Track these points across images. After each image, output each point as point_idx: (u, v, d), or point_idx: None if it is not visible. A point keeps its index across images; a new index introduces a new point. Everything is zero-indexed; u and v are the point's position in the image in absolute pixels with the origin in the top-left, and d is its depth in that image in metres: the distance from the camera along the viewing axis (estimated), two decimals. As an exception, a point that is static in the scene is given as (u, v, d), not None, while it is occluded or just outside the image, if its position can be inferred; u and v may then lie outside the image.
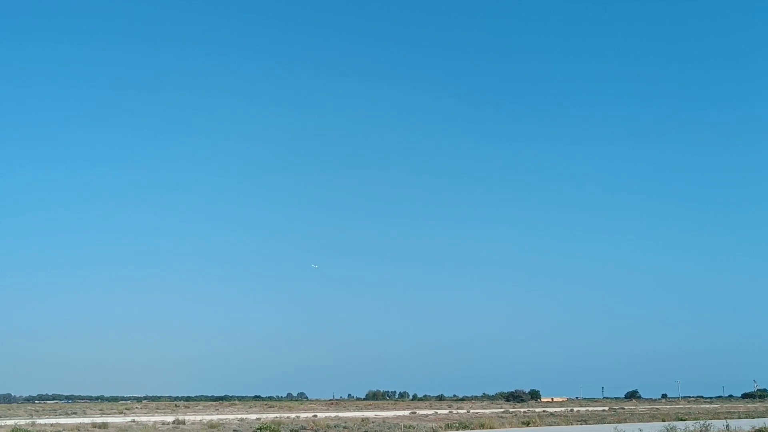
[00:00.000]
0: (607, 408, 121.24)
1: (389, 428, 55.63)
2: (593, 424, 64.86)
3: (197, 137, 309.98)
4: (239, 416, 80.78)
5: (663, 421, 65.05)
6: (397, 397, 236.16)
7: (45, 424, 57.41)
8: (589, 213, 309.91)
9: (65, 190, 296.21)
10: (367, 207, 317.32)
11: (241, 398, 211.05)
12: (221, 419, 70.15)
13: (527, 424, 62.73)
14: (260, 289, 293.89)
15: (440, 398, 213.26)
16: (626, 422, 64.81)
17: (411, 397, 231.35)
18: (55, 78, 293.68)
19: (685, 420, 61.70)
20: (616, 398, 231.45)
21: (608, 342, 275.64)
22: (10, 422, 59.65)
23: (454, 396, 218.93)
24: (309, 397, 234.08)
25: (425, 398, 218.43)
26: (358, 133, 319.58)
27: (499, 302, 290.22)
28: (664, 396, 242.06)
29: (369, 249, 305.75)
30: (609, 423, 63.20)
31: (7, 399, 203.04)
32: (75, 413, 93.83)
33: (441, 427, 55.73)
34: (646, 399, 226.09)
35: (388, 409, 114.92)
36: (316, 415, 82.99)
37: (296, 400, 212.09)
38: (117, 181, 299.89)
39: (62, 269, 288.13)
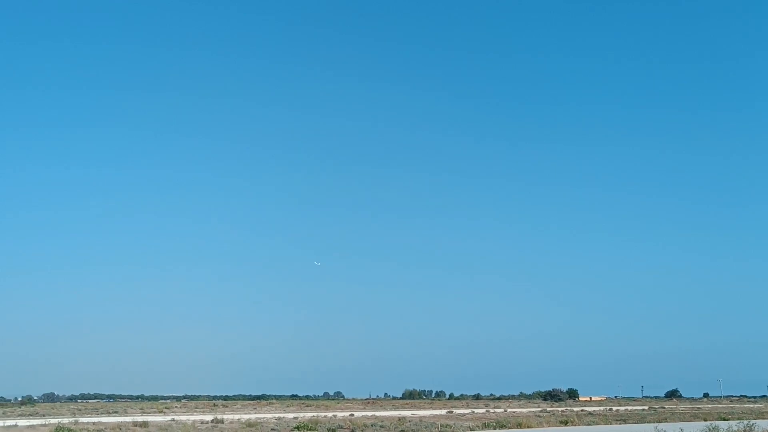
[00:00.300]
0: (646, 407, 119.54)
1: (426, 427, 55.53)
2: (633, 423, 64.03)
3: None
4: (277, 415, 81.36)
5: (705, 420, 64.00)
6: (433, 396, 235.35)
7: (87, 423, 58.47)
8: (626, 211, 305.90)
9: (116, 191, 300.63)
10: (395, 207, 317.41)
11: (278, 397, 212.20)
12: (259, 418, 70.73)
13: (565, 423, 62.18)
14: (297, 288, 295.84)
15: (477, 397, 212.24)
16: (667, 422, 63.87)
17: (447, 396, 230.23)
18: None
19: (728, 420, 60.58)
20: (655, 397, 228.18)
21: (647, 340, 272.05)
22: (54, 421, 60.86)
23: (491, 395, 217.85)
24: (345, 397, 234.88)
25: (462, 397, 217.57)
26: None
27: (536, 300, 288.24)
28: (705, 395, 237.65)
29: (403, 249, 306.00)
30: (649, 422, 62.34)
31: (51, 398, 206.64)
32: (116, 412, 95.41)
33: (478, 427, 55.48)
34: (687, 398, 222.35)
35: (424, 409, 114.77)
36: (352, 414, 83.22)
37: (333, 399, 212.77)
38: (145, 180, 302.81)
39: (105, 270, 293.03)
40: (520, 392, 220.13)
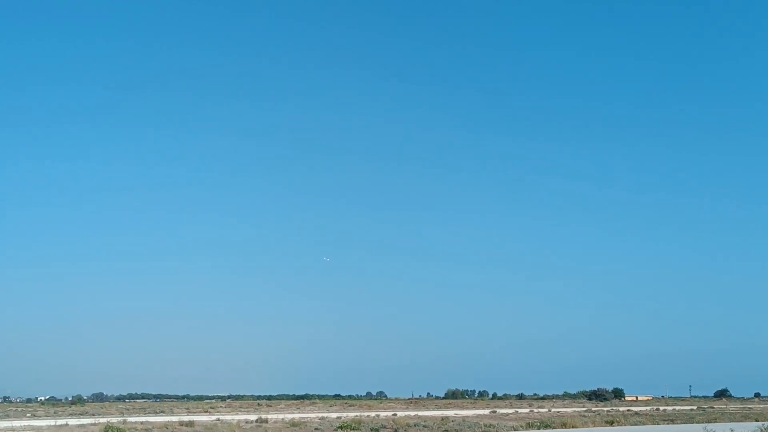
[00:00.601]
0: (695, 407, 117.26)
1: (469, 427, 55.33)
2: (681, 423, 62.97)
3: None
4: (320, 415, 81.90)
5: (756, 420, 62.55)
6: (476, 396, 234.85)
7: (135, 422, 59.57)
8: (670, 207, 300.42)
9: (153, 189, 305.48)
10: (435, 206, 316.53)
11: (321, 397, 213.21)
12: (303, 418, 71.26)
13: (611, 423, 61.38)
14: (340, 288, 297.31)
15: (520, 397, 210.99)
16: (716, 422, 62.58)
17: (491, 396, 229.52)
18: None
19: (780, 420, 59.11)
20: (704, 397, 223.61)
21: (695, 337, 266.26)
22: (103, 420, 62.15)
23: (535, 395, 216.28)
24: (388, 396, 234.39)
25: (505, 397, 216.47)
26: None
27: (579, 298, 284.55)
28: (757, 395, 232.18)
29: (446, 248, 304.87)
30: (698, 422, 61.22)
31: (100, 398, 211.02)
32: (163, 412, 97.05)
33: (522, 426, 55.11)
34: (737, 398, 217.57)
35: (467, 408, 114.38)
36: (395, 414, 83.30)
37: (376, 399, 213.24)
38: (181, 180, 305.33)
39: (152, 271, 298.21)
40: (565, 392, 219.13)
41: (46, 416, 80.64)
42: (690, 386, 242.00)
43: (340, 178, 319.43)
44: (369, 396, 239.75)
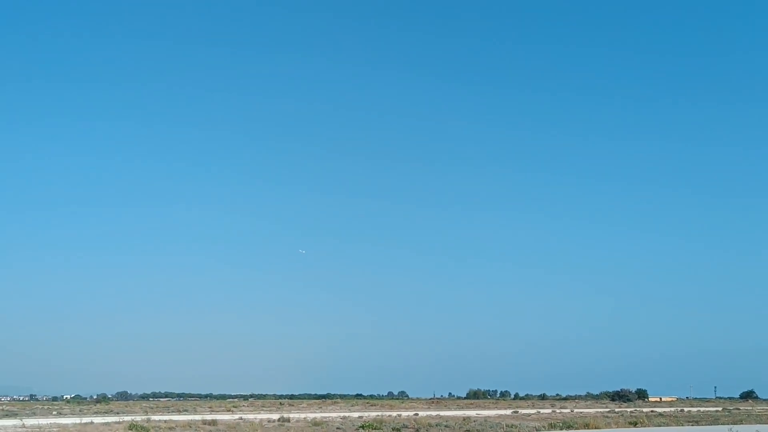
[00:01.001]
0: (720, 408, 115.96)
1: (491, 427, 55.19)
2: (706, 425, 62.30)
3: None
4: (342, 414, 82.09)
5: (783, 422, 61.71)
6: (498, 396, 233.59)
7: (159, 421, 60.14)
8: (695, 204, 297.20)
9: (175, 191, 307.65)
10: (457, 203, 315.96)
11: (343, 396, 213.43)
12: (324, 417, 71.49)
13: (634, 424, 60.87)
14: (361, 288, 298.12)
15: (543, 397, 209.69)
16: (742, 423, 61.87)
17: (512, 396, 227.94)
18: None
19: (807, 422, 58.30)
20: (729, 398, 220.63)
21: (721, 337, 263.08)
22: (128, 418, 62.80)
23: (557, 395, 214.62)
24: (410, 396, 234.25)
25: (527, 397, 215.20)
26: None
27: (602, 297, 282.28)
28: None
29: (467, 245, 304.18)
30: (723, 424, 60.55)
31: (124, 396, 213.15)
32: (186, 410, 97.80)
33: (544, 427, 54.85)
34: (764, 399, 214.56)
35: (489, 408, 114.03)
36: (417, 414, 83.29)
37: (397, 399, 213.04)
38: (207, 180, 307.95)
39: (175, 272, 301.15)
40: (587, 392, 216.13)
41: (72, 414, 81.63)
42: (715, 387, 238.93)
43: (364, 175, 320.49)
44: (390, 396, 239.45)
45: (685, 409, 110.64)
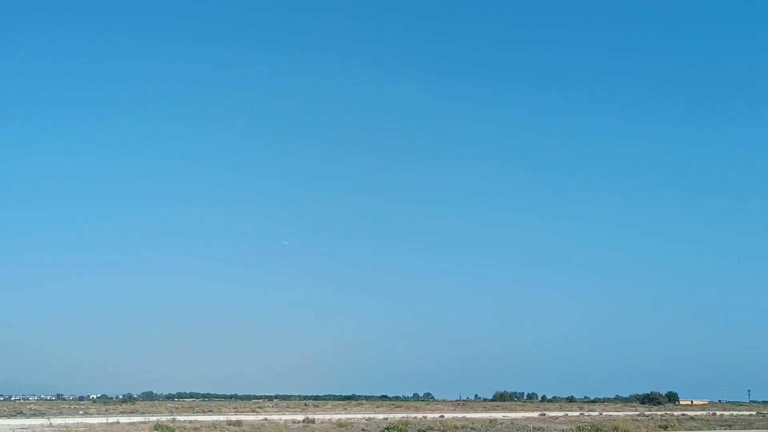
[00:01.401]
0: (754, 412, 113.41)
1: (518, 430, 54.30)
2: (739, 429, 60.55)
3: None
4: (367, 416, 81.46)
5: (820, 427, 59.92)
6: (525, 398, 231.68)
7: (184, 421, 59.94)
8: (727, 203, 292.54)
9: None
10: (485, 202, 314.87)
11: (368, 398, 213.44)
12: (349, 418, 70.91)
13: (665, 428, 59.38)
14: (387, 288, 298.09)
15: (570, 400, 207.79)
16: (777, 428, 60.16)
17: (540, 398, 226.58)
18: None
19: None
20: (764, 402, 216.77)
21: (754, 338, 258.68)
22: (153, 418, 62.74)
23: (585, 398, 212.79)
24: (435, 398, 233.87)
25: (554, 400, 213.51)
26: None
27: (633, 298, 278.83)
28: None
29: (494, 246, 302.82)
30: (757, 428, 58.90)
31: (149, 396, 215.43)
32: (211, 411, 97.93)
33: (572, 430, 53.73)
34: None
35: (516, 411, 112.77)
36: (443, 416, 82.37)
37: (423, 401, 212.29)
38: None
39: (199, 273, 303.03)
40: (616, 395, 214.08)
41: (98, 414, 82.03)
42: (749, 391, 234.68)
43: (388, 175, 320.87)
44: (416, 397, 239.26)
45: (718, 413, 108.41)
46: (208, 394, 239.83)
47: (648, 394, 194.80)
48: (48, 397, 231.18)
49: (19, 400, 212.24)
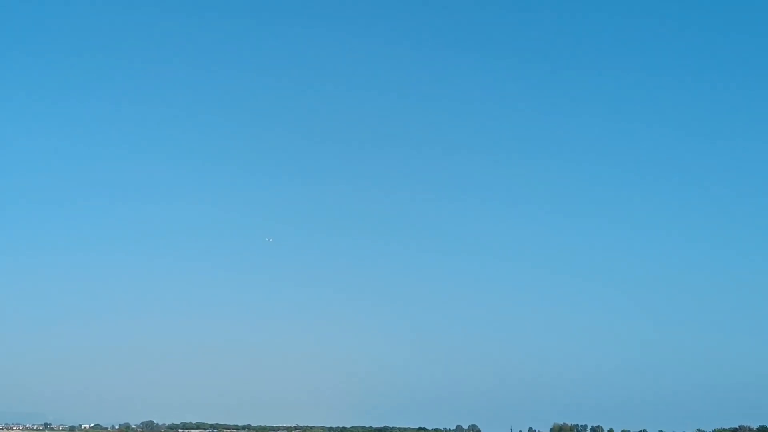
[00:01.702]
0: None
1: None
2: None
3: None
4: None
5: None
6: (588, 431, 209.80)
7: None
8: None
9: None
10: (531, 204, 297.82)
11: (403, 429, 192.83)
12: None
13: None
14: (423, 305, 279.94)
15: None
16: None
17: (606, 431, 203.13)
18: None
19: None
20: None
21: None
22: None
23: (660, 431, 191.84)
24: (482, 430, 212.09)
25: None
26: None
27: (713, 315, 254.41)
28: None
29: (554, 260, 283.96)
30: None
31: (150, 426, 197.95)
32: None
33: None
34: None
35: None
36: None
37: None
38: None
39: (207, 294, 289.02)
40: (698, 429, 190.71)
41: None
42: None
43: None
44: (459, 430, 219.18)
45: None
46: (217, 424, 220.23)
47: (736, 428, 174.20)
48: (35, 427, 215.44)
49: (2, 429, 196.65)
